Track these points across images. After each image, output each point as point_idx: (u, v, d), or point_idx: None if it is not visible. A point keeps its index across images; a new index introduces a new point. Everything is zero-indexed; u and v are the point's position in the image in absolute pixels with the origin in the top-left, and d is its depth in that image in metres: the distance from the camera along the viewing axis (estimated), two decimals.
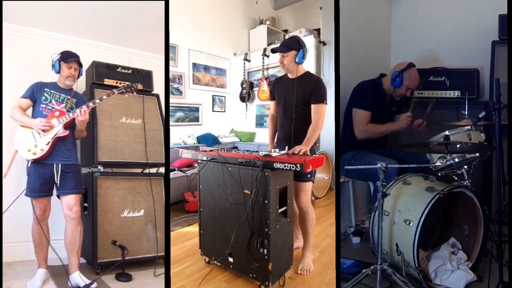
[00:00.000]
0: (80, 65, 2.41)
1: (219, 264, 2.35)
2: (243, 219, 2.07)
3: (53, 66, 2.36)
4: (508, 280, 1.84)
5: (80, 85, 2.84)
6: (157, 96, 3.09)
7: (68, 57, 2.33)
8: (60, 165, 2.26)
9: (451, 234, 2.29)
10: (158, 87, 3.12)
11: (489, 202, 2.80)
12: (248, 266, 2.12)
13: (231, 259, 2.24)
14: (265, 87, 5.76)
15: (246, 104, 6.25)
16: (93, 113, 2.64)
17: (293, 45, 2.30)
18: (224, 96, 6.33)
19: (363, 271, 1.95)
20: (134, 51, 3.41)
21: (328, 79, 4.90)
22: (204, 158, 2.33)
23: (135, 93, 2.53)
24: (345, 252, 2.47)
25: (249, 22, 6.69)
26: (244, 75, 6.15)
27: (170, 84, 5.25)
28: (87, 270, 2.53)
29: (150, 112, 2.98)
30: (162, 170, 3.03)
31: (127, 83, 2.57)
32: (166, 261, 2.50)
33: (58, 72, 2.37)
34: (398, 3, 3.64)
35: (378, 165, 1.89)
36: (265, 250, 2.01)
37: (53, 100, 2.34)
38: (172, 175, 4.23)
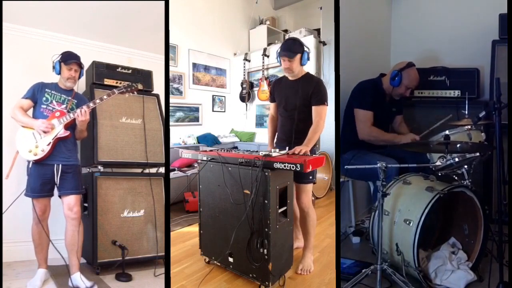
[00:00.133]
0: (81, 66, 2.40)
1: (219, 264, 2.35)
2: (243, 219, 2.07)
3: (53, 67, 2.36)
4: (508, 280, 1.83)
5: (80, 85, 2.84)
6: (157, 96, 3.09)
7: (68, 58, 2.32)
8: (60, 165, 2.26)
9: (451, 234, 2.29)
10: (158, 87, 3.12)
11: (490, 201, 2.79)
12: (248, 266, 2.12)
13: (231, 259, 2.24)
14: (265, 87, 5.76)
15: (246, 104, 6.26)
16: (93, 113, 2.64)
17: (298, 49, 2.28)
18: (224, 96, 6.32)
19: (363, 271, 1.95)
20: (134, 51, 3.41)
21: (328, 79, 4.90)
22: (204, 158, 2.33)
23: (135, 93, 2.52)
24: (345, 252, 2.47)
25: (249, 22, 6.68)
26: (244, 75, 6.15)
27: (170, 84, 5.25)
28: (87, 270, 2.53)
29: (150, 112, 2.98)
30: (162, 170, 3.03)
31: (127, 83, 2.56)
32: (166, 261, 2.50)
33: (59, 73, 2.36)
34: (398, 3, 3.64)
35: (378, 164, 1.89)
36: (265, 250, 2.01)
37: (54, 101, 2.34)
38: (172, 175, 4.22)
